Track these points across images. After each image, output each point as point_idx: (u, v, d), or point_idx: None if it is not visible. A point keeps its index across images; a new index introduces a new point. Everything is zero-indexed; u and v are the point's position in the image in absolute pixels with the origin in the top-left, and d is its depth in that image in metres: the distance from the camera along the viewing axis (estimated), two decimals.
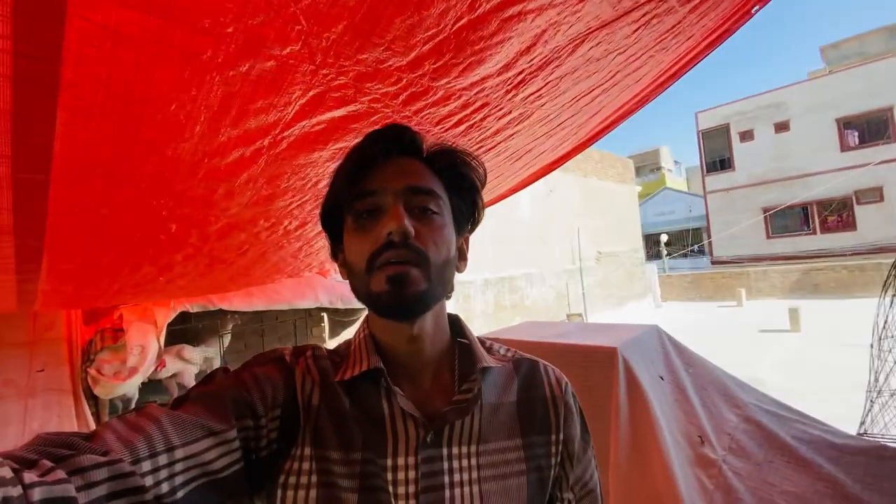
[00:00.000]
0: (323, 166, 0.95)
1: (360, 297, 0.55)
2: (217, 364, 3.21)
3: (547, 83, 1.00)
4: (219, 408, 0.48)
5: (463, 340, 0.62)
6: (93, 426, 2.39)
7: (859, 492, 1.31)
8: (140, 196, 0.85)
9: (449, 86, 0.83)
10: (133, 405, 2.84)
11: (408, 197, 0.54)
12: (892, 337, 1.90)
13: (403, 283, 0.50)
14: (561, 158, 1.89)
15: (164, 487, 0.41)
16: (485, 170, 0.62)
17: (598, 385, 1.78)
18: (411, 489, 0.51)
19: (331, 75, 0.69)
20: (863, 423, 1.83)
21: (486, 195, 1.91)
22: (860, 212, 16.11)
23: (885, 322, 1.92)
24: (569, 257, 10.20)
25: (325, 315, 4.43)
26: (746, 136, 18.58)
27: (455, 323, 0.63)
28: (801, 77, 19.04)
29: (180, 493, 0.42)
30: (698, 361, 2.00)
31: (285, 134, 0.79)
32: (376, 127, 0.60)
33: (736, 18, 1.20)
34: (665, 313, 11.85)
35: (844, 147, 16.35)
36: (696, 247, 19.07)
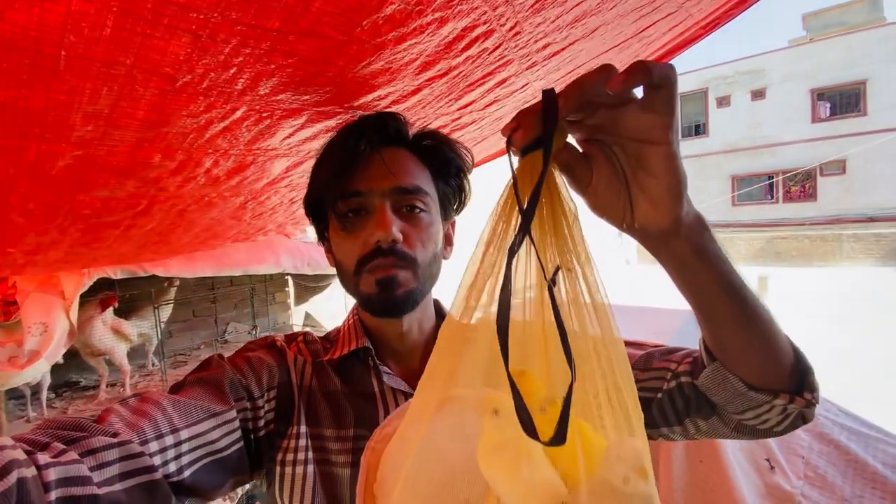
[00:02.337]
0: (259, 31, 0.45)
1: (349, 293, 0.57)
2: (155, 341, 2.68)
3: None
4: (217, 391, 0.48)
5: None
6: None
7: None
8: None
9: None
10: (45, 391, 2.31)
11: (395, 198, 0.54)
12: None
13: (392, 285, 0.52)
14: None
15: (172, 467, 0.42)
16: (472, 155, 0.63)
17: None
18: None
19: None
20: None
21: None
22: (822, 183, 16.52)
23: None
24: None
25: (289, 279, 3.91)
26: (724, 101, 18.44)
27: (438, 306, 0.64)
28: (782, 44, 18.93)
29: (187, 472, 0.43)
30: None
31: None
32: None
33: None
34: (637, 274, 11.89)
35: (815, 118, 16.49)
36: None
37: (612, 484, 0.28)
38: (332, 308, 4.36)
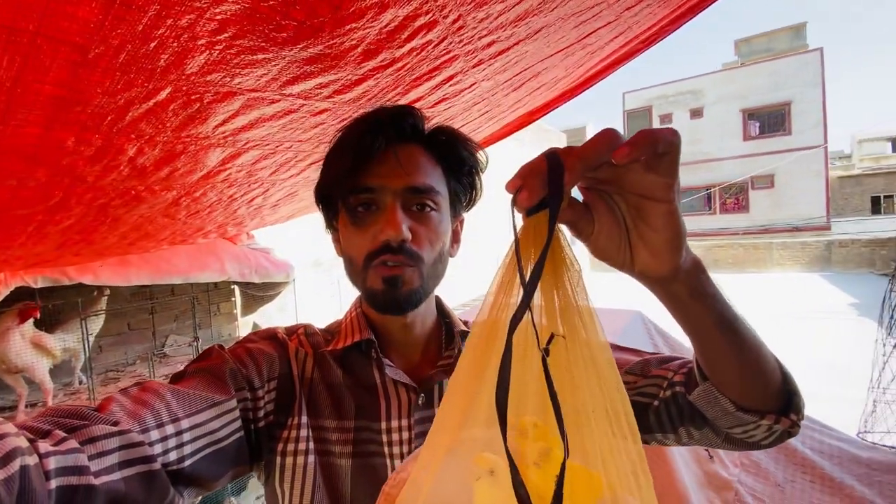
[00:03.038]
0: (188, 5, 0.42)
1: (356, 286, 0.58)
2: (83, 356, 2.46)
3: None
4: (217, 381, 0.49)
5: (446, 319, 0.65)
6: None
7: None
8: None
9: None
10: None
11: (406, 196, 0.54)
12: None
13: (398, 283, 0.53)
14: (553, 101, 1.47)
15: (173, 456, 0.42)
16: (487, 155, 0.65)
17: None
18: (406, 448, 0.54)
19: None
20: (865, 422, 1.70)
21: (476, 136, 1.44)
22: (753, 196, 17.90)
23: (892, 315, 1.79)
24: (503, 226, 10.09)
25: (235, 288, 3.73)
26: (666, 119, 19.64)
27: (440, 303, 0.66)
28: (716, 68, 20.45)
29: (188, 462, 0.43)
30: (688, 353, 1.75)
31: None
32: None
33: None
34: (590, 280, 12.26)
35: (746, 136, 17.89)
36: None
37: None
38: (284, 319, 4.20)
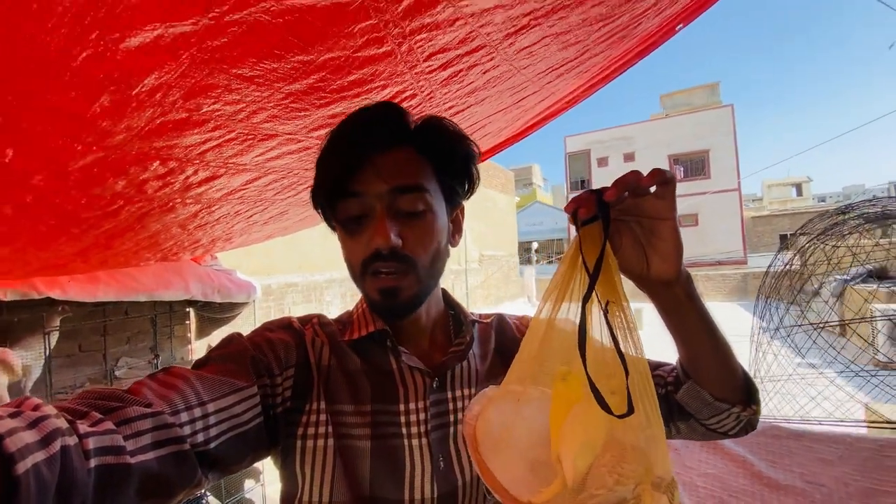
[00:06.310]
0: (272, 87, 0.69)
1: (360, 291, 0.60)
2: (37, 374, 2.43)
3: (543, 38, 0.88)
4: (240, 367, 0.50)
5: (453, 311, 0.68)
6: None
7: (765, 469, 1.44)
8: None
9: (460, 4, 0.65)
10: None
11: (393, 198, 0.54)
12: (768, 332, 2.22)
13: (394, 295, 0.55)
14: (498, 145, 1.81)
15: (200, 437, 0.43)
16: (477, 146, 0.62)
17: None
18: (423, 429, 0.56)
19: None
20: None
21: None
22: (682, 233, 19.64)
23: (762, 319, 2.24)
24: (455, 258, 10.45)
25: (191, 311, 3.74)
26: (602, 162, 21.34)
27: (445, 295, 0.68)
28: (644, 118, 22.60)
29: (213, 444, 0.45)
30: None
31: (235, 16, 0.53)
32: (356, 28, 0.55)
33: (662, 33, 1.26)
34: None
35: None
36: (559, 254, 21.29)
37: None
38: None
